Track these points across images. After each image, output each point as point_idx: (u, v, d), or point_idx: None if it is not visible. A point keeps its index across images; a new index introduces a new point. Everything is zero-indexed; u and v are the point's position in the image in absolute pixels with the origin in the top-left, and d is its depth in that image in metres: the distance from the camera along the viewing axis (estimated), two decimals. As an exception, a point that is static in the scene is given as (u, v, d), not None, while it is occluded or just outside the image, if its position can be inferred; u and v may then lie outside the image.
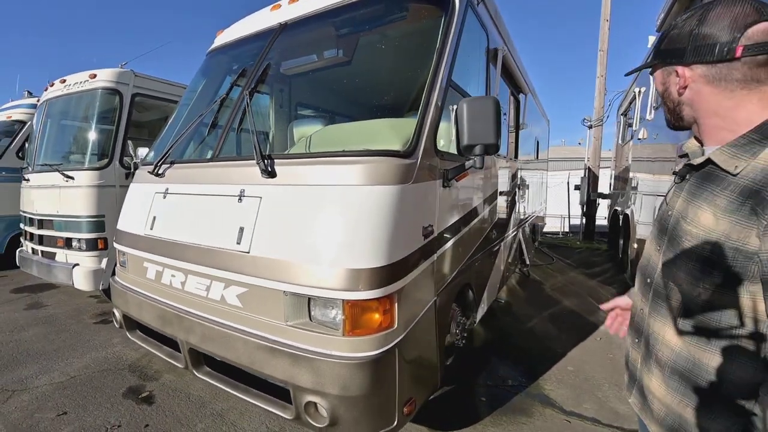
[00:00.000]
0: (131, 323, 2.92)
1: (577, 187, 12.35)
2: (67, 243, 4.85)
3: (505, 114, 4.81)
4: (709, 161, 0.94)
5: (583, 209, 12.19)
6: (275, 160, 2.27)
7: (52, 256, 5.06)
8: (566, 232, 14.37)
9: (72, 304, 5.28)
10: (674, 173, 1.08)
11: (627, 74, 1.40)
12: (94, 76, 5.14)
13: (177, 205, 2.64)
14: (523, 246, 6.33)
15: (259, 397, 2.19)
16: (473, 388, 3.28)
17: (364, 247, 1.88)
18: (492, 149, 2.19)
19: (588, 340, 4.31)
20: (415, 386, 2.26)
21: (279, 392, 2.11)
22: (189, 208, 2.56)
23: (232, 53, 3.57)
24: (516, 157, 5.35)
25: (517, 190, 5.34)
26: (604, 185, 11.90)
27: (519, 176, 5.51)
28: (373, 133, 2.71)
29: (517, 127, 5.45)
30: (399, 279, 1.98)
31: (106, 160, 4.96)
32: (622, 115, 8.98)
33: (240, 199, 2.27)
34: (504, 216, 4.64)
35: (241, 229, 2.17)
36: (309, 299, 1.96)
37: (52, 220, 4.99)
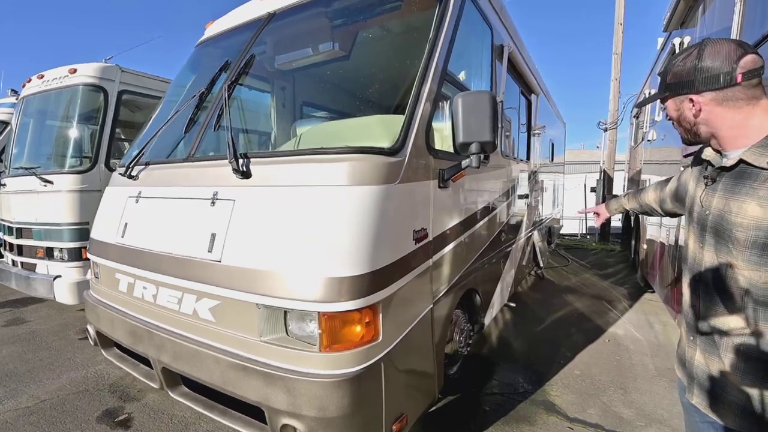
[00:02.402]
0: (106, 340, 2.95)
1: (593, 190, 13.43)
2: (48, 253, 4.95)
3: (514, 110, 4.87)
4: (740, 162, 1.19)
5: None
6: (251, 159, 2.27)
7: (32, 267, 5.17)
8: (584, 234, 15.50)
9: (58, 320, 5.36)
10: (704, 177, 1.34)
11: (638, 105, 2.19)
12: (75, 71, 5.21)
13: (149, 210, 2.67)
14: (537, 248, 6.55)
15: (237, 419, 2.19)
16: (477, 396, 3.39)
17: (342, 254, 1.85)
18: (489, 147, 2.20)
19: (597, 343, 4.55)
20: (408, 401, 2.27)
21: (258, 413, 2.10)
22: (161, 213, 2.58)
23: (220, 45, 3.62)
24: (528, 158, 5.46)
25: (529, 192, 5.48)
26: (619, 187, 13.07)
27: (532, 178, 5.67)
28: (365, 129, 2.73)
29: (529, 128, 5.58)
30: (384, 287, 1.96)
31: (89, 163, 5.05)
32: (634, 117, 9.80)
33: (213, 203, 2.27)
34: (515, 218, 4.73)
35: (213, 236, 2.17)
36: (285, 312, 1.95)
37: (31, 229, 5.09)
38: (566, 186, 12.17)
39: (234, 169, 2.19)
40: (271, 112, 4.48)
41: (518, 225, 5.01)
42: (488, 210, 3.57)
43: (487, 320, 3.91)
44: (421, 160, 2.29)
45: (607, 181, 12.78)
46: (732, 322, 1.21)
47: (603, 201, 12.68)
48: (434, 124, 2.85)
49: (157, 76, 5.97)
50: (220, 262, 2.10)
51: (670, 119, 1.41)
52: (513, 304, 4.91)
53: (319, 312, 1.83)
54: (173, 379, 2.45)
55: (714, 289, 1.26)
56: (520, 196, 4.91)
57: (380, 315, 1.96)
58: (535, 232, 6.46)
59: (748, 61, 1.16)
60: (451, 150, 2.37)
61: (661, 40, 5.83)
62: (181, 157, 2.72)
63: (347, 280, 1.83)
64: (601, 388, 3.56)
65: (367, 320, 1.91)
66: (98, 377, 3.69)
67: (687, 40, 4.10)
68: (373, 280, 1.90)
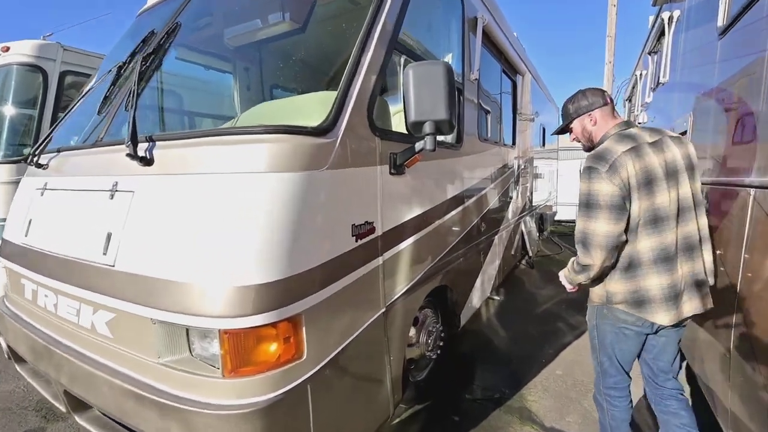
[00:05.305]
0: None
1: None
2: (-17, 252, 4.63)
3: (495, 91, 4.61)
4: None
5: None
6: (156, 143, 1.95)
7: (-31, 267, 4.84)
8: None
9: None
10: None
11: (553, 134, 2.78)
12: (7, 49, 4.83)
13: (52, 205, 2.35)
14: (526, 238, 6.37)
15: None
16: (447, 404, 3.17)
17: (250, 258, 1.55)
18: (445, 127, 1.91)
19: (583, 338, 4.35)
20: (349, 424, 2.03)
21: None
22: (63, 207, 2.27)
23: (160, 15, 3.27)
24: (514, 143, 5.22)
25: (516, 179, 5.29)
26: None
27: (518, 164, 5.45)
28: (303, 107, 2.45)
29: (514, 110, 5.33)
30: (308, 294, 1.68)
31: (26, 152, 4.71)
32: (626, 100, 9.88)
33: (112, 196, 1.96)
34: (498, 207, 4.49)
35: (109, 236, 1.87)
36: (187, 329, 1.66)
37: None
38: (561, 172, 12.06)
39: (129, 154, 1.86)
40: (233, 94, 4.18)
41: (502, 214, 4.76)
42: (462, 199, 3.29)
43: (464, 318, 3.68)
44: (361, 141, 1.99)
45: None
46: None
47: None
48: (392, 106, 2.58)
49: (104, 55, 5.59)
50: (113, 267, 1.80)
51: (575, 139, 2.30)
52: (498, 297, 4.68)
53: (219, 329, 1.53)
54: (79, 402, 2.15)
55: None
56: (504, 183, 4.65)
57: (303, 328, 1.67)
58: (524, 220, 6.24)
59: (608, 94, 2.15)
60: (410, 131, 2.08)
61: (652, 18, 5.67)
62: (91, 141, 2.40)
63: (257, 289, 1.53)
64: (583, 390, 3.35)
65: (285, 335, 1.62)
66: (26, 393, 3.39)
67: (676, 14, 3.90)
68: (292, 287, 1.61)
